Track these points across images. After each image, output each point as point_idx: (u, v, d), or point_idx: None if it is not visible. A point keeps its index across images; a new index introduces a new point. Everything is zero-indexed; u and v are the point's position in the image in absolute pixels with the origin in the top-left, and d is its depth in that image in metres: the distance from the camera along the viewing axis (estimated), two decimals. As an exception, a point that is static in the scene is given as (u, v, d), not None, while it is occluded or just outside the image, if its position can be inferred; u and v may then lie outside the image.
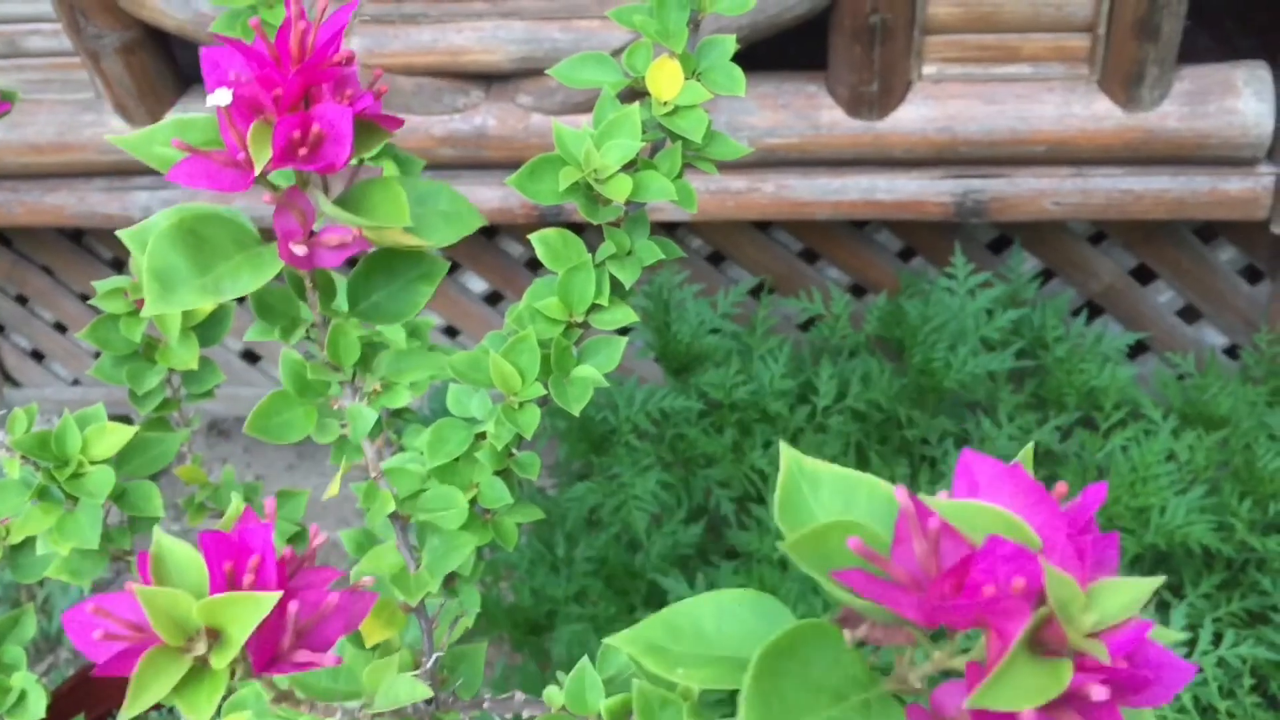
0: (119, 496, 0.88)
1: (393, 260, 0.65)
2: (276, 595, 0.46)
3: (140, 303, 0.94)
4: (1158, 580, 0.37)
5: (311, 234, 0.58)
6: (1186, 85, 1.56)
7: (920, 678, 0.41)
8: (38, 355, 2.19)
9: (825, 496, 0.46)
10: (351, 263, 0.66)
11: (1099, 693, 0.36)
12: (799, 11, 1.53)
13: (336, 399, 0.71)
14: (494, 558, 1.65)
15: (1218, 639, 1.40)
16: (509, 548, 0.78)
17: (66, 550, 0.85)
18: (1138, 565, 1.50)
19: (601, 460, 1.66)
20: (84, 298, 2.07)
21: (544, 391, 0.75)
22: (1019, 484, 0.40)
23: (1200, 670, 1.34)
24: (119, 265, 2.05)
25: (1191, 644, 1.39)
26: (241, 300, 1.42)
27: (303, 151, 0.54)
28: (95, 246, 2.04)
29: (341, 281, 0.66)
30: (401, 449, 0.82)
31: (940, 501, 0.39)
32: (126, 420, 0.96)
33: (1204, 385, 1.65)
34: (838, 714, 0.40)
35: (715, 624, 0.46)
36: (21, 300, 2.13)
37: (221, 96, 0.53)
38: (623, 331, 1.40)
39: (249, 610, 0.46)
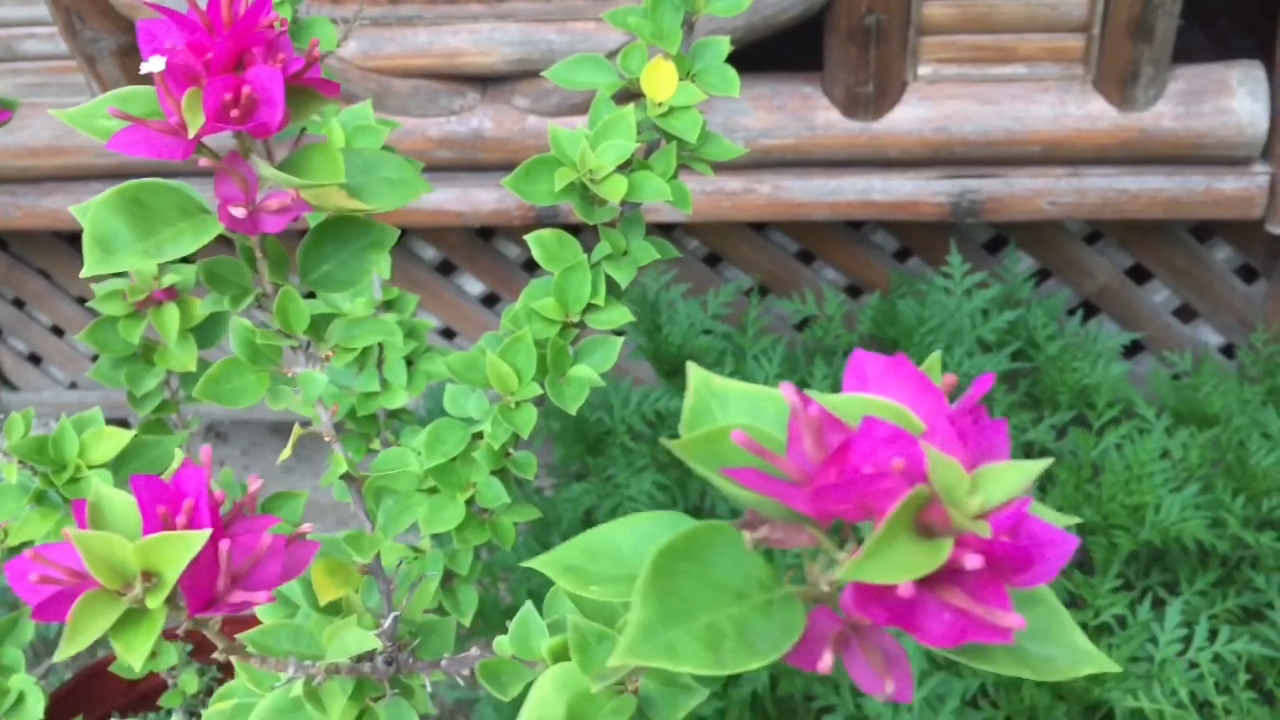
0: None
1: (342, 229, 0.67)
2: (205, 533, 0.47)
3: (139, 305, 0.95)
4: (1045, 462, 0.37)
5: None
6: (1181, 85, 1.57)
7: (829, 583, 0.41)
8: (35, 359, 2.20)
9: (733, 413, 0.46)
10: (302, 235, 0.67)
11: (973, 560, 0.36)
12: (794, 13, 1.53)
13: (289, 366, 0.72)
14: (491, 559, 1.65)
15: (1213, 635, 1.41)
16: (506, 547, 0.79)
17: (65, 553, 0.85)
18: (1133, 562, 1.51)
19: (597, 461, 1.67)
20: (81, 301, 2.08)
21: (540, 391, 0.75)
22: (904, 375, 0.40)
23: (1196, 666, 1.35)
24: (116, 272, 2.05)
25: (1187, 640, 1.39)
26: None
27: (235, 114, 0.55)
28: (92, 250, 2.04)
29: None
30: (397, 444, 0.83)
31: (825, 396, 0.39)
32: (124, 424, 0.96)
33: (1197, 384, 1.65)
34: (738, 613, 0.40)
35: (632, 545, 0.46)
36: (18, 304, 2.13)
37: (155, 64, 0.55)
38: (618, 333, 1.40)
39: (180, 549, 0.47)
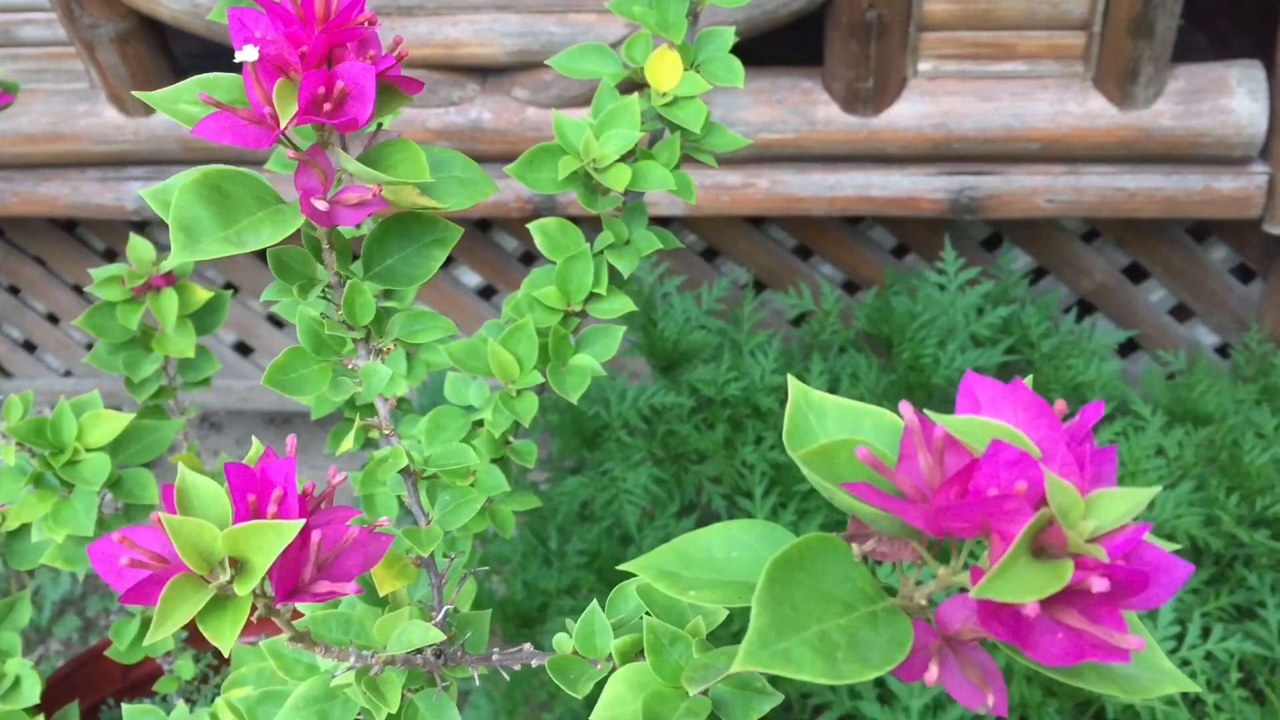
0: (114, 484, 0.89)
1: (407, 225, 0.67)
2: (299, 524, 0.47)
3: (137, 290, 0.95)
4: (1155, 489, 0.38)
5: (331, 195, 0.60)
6: (1181, 84, 1.57)
7: (925, 596, 0.43)
8: (30, 346, 2.19)
9: (831, 425, 0.47)
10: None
11: (1099, 584, 0.37)
12: (795, 7, 1.53)
13: (350, 359, 0.72)
14: (487, 550, 1.65)
15: (1206, 633, 1.41)
16: (506, 535, 0.79)
17: (61, 537, 0.86)
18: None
19: (593, 455, 1.67)
20: (77, 289, 2.07)
21: (541, 380, 0.75)
22: (1020, 400, 0.41)
23: (1188, 664, 1.35)
24: (112, 256, 2.05)
25: (1180, 638, 1.39)
26: (234, 291, 1.42)
27: (327, 107, 0.56)
28: (88, 237, 2.03)
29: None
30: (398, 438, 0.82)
31: (945, 417, 0.40)
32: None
33: (1191, 383, 1.65)
34: (846, 623, 0.41)
35: (725, 551, 0.47)
36: (14, 291, 2.12)
37: (249, 53, 0.55)
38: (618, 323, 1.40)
39: (272, 539, 0.47)
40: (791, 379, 0.48)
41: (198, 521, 0.47)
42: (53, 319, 2.14)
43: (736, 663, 0.39)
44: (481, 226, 1.91)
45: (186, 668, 1.09)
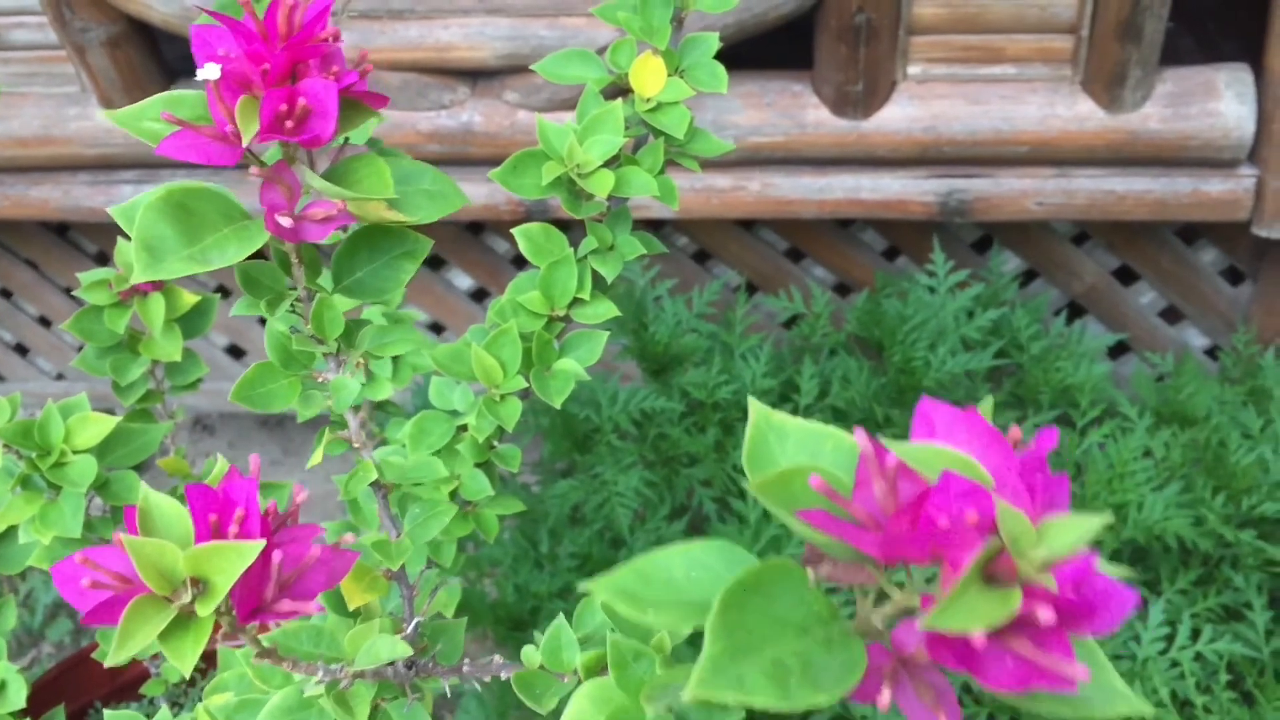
0: (101, 486, 0.89)
1: (376, 238, 0.67)
2: (260, 544, 0.47)
3: (124, 294, 0.95)
4: (1105, 517, 0.39)
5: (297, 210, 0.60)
6: (1169, 87, 1.57)
7: (881, 619, 0.43)
8: (21, 349, 2.19)
9: (791, 448, 0.47)
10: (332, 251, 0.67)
11: (1046, 616, 0.37)
12: (785, 11, 1.54)
13: (320, 372, 0.72)
14: (478, 554, 1.65)
15: (1195, 634, 1.42)
16: (490, 538, 0.79)
17: (48, 539, 0.86)
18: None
19: (585, 458, 1.67)
20: (68, 291, 2.07)
21: (525, 384, 0.76)
22: (974, 428, 0.41)
23: (1178, 665, 1.36)
24: (104, 259, 2.05)
25: (1169, 639, 1.40)
26: (226, 295, 1.43)
27: (289, 124, 0.56)
28: (80, 240, 2.04)
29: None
30: (384, 442, 0.83)
31: (898, 444, 0.41)
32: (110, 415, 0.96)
33: (1179, 385, 1.66)
34: (800, 647, 0.41)
35: (684, 572, 0.47)
36: (5, 294, 2.12)
37: (210, 71, 0.55)
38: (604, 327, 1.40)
39: (233, 559, 0.47)
40: (751, 400, 0.48)
41: (159, 542, 0.48)
42: (44, 322, 2.14)
43: (688, 690, 0.39)
44: (474, 229, 1.92)
45: (173, 671, 1.09)
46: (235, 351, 2.15)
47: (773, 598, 0.42)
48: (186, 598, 0.48)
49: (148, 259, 0.58)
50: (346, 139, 0.62)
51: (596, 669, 0.60)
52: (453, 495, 0.78)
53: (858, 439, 0.41)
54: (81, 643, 1.92)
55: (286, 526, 0.52)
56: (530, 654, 0.64)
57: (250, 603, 0.50)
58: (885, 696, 0.41)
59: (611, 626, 0.59)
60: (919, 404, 0.42)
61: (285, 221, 0.59)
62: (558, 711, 0.59)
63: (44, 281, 2.07)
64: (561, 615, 0.64)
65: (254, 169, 0.59)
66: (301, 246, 0.66)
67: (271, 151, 0.61)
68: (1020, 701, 0.41)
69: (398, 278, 0.67)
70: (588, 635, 0.63)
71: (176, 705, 1.14)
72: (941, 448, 0.40)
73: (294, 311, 0.69)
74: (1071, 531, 0.38)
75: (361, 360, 0.71)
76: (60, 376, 2.20)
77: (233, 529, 0.49)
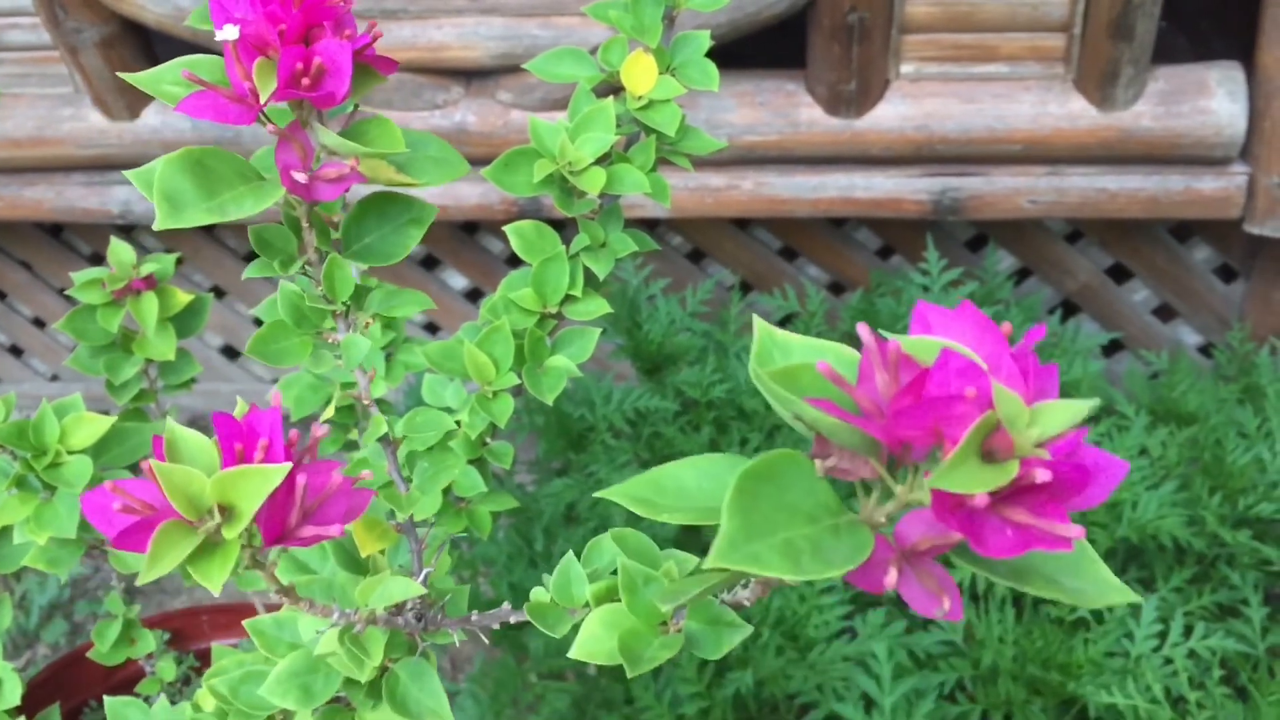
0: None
1: (384, 204, 0.70)
2: (285, 467, 0.49)
3: (118, 293, 0.95)
4: (1094, 401, 0.41)
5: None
6: (1161, 85, 1.58)
7: (884, 514, 0.45)
8: (16, 350, 2.19)
9: (796, 359, 0.50)
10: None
11: (1043, 475, 0.40)
12: (778, 9, 1.54)
13: (331, 333, 0.75)
14: (472, 553, 1.65)
15: (1188, 631, 1.42)
16: (483, 535, 0.79)
17: (44, 539, 0.86)
18: (1110, 559, 1.52)
19: (579, 457, 1.67)
20: (63, 292, 2.07)
21: (518, 381, 0.76)
22: (968, 320, 0.44)
23: (1171, 662, 1.36)
24: (98, 260, 2.05)
25: (1163, 636, 1.40)
26: (221, 295, 1.43)
27: (305, 82, 0.59)
28: (74, 241, 2.04)
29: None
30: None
31: (899, 336, 0.43)
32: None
33: (1174, 383, 1.66)
34: (810, 533, 0.44)
35: (695, 482, 0.50)
36: (0, 295, 2.12)
37: (229, 32, 0.58)
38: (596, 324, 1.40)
39: (258, 483, 0.49)
40: (756, 319, 0.51)
41: (186, 469, 0.49)
42: (39, 323, 2.14)
43: (708, 561, 0.41)
44: (468, 229, 1.92)
45: (169, 669, 1.09)
46: (230, 352, 2.15)
47: (783, 487, 0.44)
48: (213, 522, 0.49)
49: (169, 208, 0.60)
50: (356, 105, 0.65)
51: (607, 598, 0.63)
52: (446, 491, 0.78)
53: (860, 332, 0.43)
54: (77, 644, 1.92)
55: (307, 462, 0.53)
56: (540, 593, 0.66)
57: (275, 528, 0.51)
58: (892, 576, 0.44)
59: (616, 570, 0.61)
60: (916, 307, 0.45)
61: (300, 177, 0.61)
62: (568, 641, 0.61)
63: (38, 282, 2.07)
64: (570, 552, 0.66)
65: (270, 127, 0.61)
66: (312, 212, 0.68)
67: (284, 118, 0.63)
68: (1018, 582, 0.44)
69: (404, 243, 0.70)
70: (596, 572, 0.66)
71: (173, 703, 1.14)
72: (939, 339, 0.43)
73: (305, 274, 0.72)
74: (1063, 412, 0.41)
75: (370, 319, 0.73)
76: (55, 378, 2.20)
77: (258, 455, 0.50)
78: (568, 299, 0.77)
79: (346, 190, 0.64)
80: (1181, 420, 1.62)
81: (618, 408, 1.64)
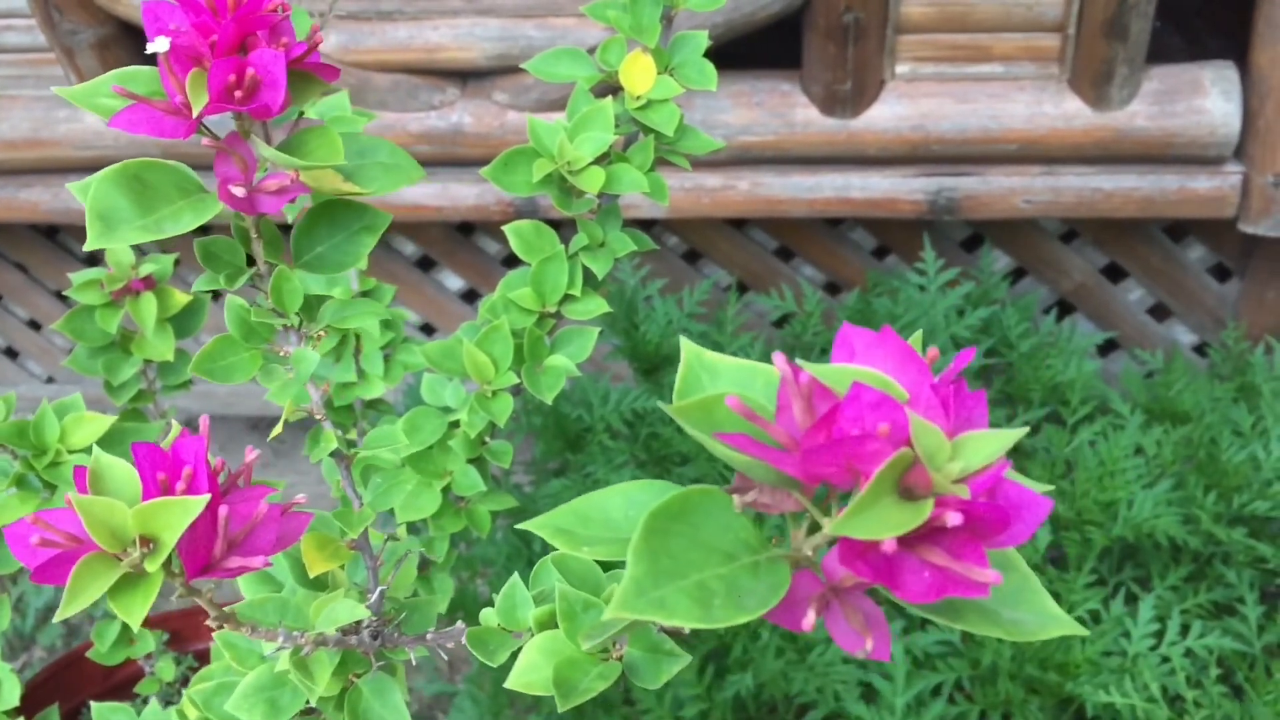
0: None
1: (336, 212, 0.68)
2: (205, 498, 0.48)
3: (116, 294, 0.95)
4: (1021, 431, 0.39)
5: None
6: (1155, 85, 1.58)
7: (812, 547, 0.43)
8: (11, 353, 2.19)
9: (723, 385, 0.48)
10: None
11: (954, 518, 0.38)
12: (774, 10, 1.54)
13: (281, 345, 0.73)
14: (470, 553, 1.65)
15: (1185, 630, 1.42)
16: (482, 534, 0.79)
17: (42, 540, 0.86)
18: (1106, 558, 1.52)
19: (577, 458, 1.67)
20: (59, 294, 2.07)
21: (517, 380, 0.76)
22: (890, 348, 0.41)
23: (1168, 661, 1.36)
24: (93, 262, 2.04)
25: (1159, 635, 1.41)
26: (218, 296, 1.43)
27: (239, 95, 0.57)
28: (70, 243, 2.03)
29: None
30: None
31: (813, 365, 0.41)
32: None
33: (1169, 382, 1.67)
34: (726, 572, 0.41)
35: (622, 511, 0.48)
36: (-5, 297, 2.12)
37: (160, 44, 0.56)
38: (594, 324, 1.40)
39: (179, 514, 0.48)
40: (683, 339, 0.49)
41: (108, 500, 0.48)
42: (34, 325, 2.14)
43: (610, 610, 0.39)
44: (464, 230, 1.92)
45: (167, 669, 1.09)
46: (226, 354, 2.14)
47: (698, 524, 0.42)
48: (135, 555, 0.48)
49: (101, 227, 0.59)
50: (301, 113, 0.63)
51: (549, 623, 0.61)
52: (446, 490, 0.79)
53: (776, 362, 0.41)
54: (74, 647, 1.91)
55: (239, 487, 0.52)
56: (489, 615, 0.64)
57: (199, 559, 0.50)
58: (810, 618, 0.41)
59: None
60: (840, 330, 0.42)
61: (239, 192, 0.60)
62: (509, 666, 0.59)
63: (34, 284, 2.07)
64: (516, 574, 0.64)
65: (205, 140, 0.59)
66: (261, 222, 0.67)
67: (227, 127, 0.61)
68: (952, 620, 0.42)
69: (357, 251, 0.68)
70: (543, 594, 0.63)
71: (170, 704, 1.14)
72: (856, 367, 0.41)
73: (255, 286, 0.70)
74: (987, 445, 0.38)
75: (322, 333, 0.72)
76: (50, 380, 2.19)
77: (180, 486, 0.49)
78: (567, 298, 0.77)
79: (292, 201, 0.62)
80: (1176, 419, 1.62)
81: (615, 408, 1.64)
